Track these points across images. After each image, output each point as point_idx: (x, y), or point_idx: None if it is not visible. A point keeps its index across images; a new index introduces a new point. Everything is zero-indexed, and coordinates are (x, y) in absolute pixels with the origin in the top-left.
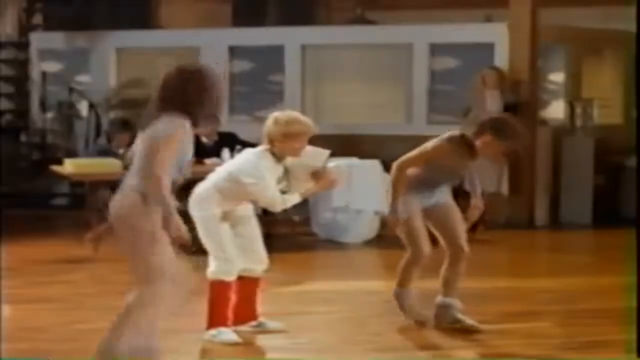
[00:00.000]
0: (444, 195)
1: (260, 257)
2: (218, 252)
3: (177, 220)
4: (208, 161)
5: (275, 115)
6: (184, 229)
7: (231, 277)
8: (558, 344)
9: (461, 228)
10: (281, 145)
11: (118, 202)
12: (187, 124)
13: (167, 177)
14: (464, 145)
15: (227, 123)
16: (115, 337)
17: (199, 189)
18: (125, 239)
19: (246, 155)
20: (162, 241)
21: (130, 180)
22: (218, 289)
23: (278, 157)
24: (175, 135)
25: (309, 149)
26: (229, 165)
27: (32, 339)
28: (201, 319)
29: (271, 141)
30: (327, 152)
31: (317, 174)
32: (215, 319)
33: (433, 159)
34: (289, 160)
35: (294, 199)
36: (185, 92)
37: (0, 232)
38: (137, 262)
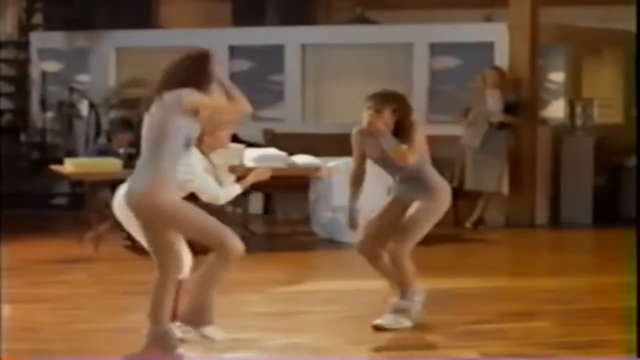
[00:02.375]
0: (408, 190)
1: (186, 258)
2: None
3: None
4: None
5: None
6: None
7: (182, 275)
8: (558, 343)
9: (410, 229)
10: (209, 139)
11: (147, 188)
12: None
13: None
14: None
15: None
16: (155, 322)
17: None
18: (174, 220)
19: None
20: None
21: (146, 161)
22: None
23: (204, 153)
24: (180, 109)
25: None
26: None
27: (31, 338)
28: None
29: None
30: (242, 147)
31: (235, 170)
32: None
33: (361, 153)
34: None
35: (235, 189)
36: (197, 72)
37: (0, 231)
38: (200, 234)
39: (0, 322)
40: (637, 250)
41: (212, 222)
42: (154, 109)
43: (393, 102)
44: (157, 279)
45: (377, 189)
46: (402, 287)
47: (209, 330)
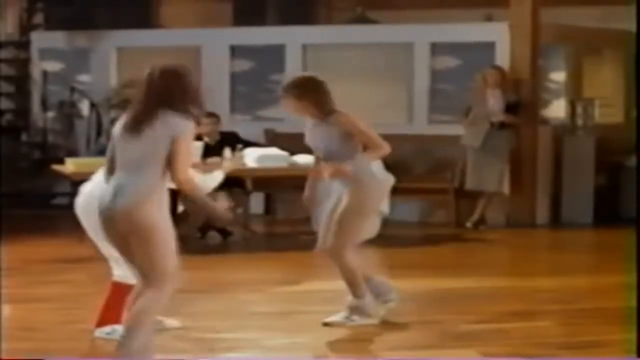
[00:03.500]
0: (341, 182)
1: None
2: None
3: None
4: (210, 160)
5: None
6: (225, 211)
7: (133, 281)
8: (558, 343)
9: (338, 225)
10: None
11: (130, 207)
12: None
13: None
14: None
15: (228, 122)
16: (132, 337)
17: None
18: (147, 241)
19: None
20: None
21: (134, 180)
22: (122, 290)
23: None
24: (191, 132)
25: None
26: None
27: (32, 338)
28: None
29: None
30: (200, 144)
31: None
32: (110, 317)
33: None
34: None
35: (218, 177)
36: (182, 91)
37: (0, 231)
38: (153, 264)
39: (0, 322)
40: (637, 250)
41: (172, 257)
42: (150, 128)
43: (297, 89)
44: (150, 294)
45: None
46: (348, 285)
47: None
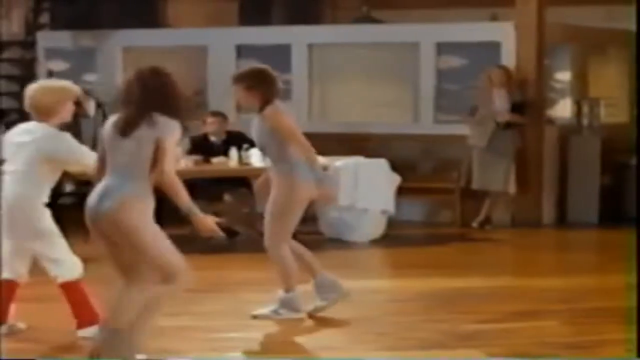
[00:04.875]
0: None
1: (24, 264)
2: (65, 250)
3: (201, 214)
4: (215, 160)
5: (40, 87)
6: (210, 221)
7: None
8: (564, 342)
9: (266, 220)
10: (59, 115)
11: (115, 210)
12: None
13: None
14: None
15: (234, 122)
16: (133, 329)
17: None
18: (136, 243)
19: (37, 136)
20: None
21: (120, 182)
22: (80, 287)
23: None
24: (176, 134)
25: None
26: (27, 152)
27: (37, 338)
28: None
29: (48, 113)
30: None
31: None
32: (88, 317)
33: None
34: None
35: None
36: (168, 95)
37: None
38: (154, 262)
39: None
40: (637, 250)
41: (172, 251)
42: (137, 130)
43: (248, 79)
44: (160, 290)
45: (387, 186)
46: (280, 277)
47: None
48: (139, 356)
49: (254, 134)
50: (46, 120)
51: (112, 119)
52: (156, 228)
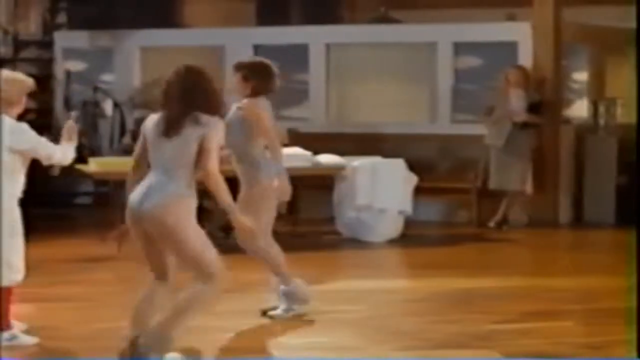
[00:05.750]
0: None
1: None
2: (20, 255)
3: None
4: None
5: (5, 78)
6: (247, 221)
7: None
8: (580, 343)
9: None
10: (18, 105)
11: (160, 209)
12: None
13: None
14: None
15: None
16: (171, 327)
17: None
18: (178, 242)
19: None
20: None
21: (164, 181)
22: (9, 293)
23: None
24: (220, 132)
25: None
26: None
27: (53, 337)
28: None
29: (11, 104)
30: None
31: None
32: (6, 322)
33: None
34: None
35: (69, 148)
36: (208, 92)
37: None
38: (195, 262)
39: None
40: (637, 250)
41: (212, 251)
42: (181, 129)
43: (248, 70)
44: (201, 289)
45: (404, 186)
46: (274, 274)
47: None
48: (171, 355)
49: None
50: (9, 111)
51: (154, 118)
52: (198, 228)
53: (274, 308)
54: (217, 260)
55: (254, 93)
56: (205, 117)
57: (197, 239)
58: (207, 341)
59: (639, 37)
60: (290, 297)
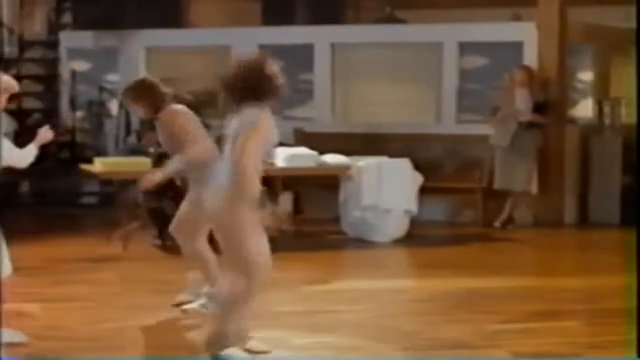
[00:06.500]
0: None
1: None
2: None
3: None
4: None
5: None
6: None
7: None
8: (585, 343)
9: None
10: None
11: (214, 198)
12: (266, 110)
13: (254, 167)
14: None
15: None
16: (223, 326)
17: None
18: (225, 233)
19: None
20: (257, 232)
21: (221, 175)
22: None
23: None
24: (257, 124)
25: None
26: None
27: (58, 337)
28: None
29: None
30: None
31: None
32: None
33: None
34: None
35: (31, 150)
36: (257, 81)
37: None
38: (237, 255)
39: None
40: (637, 250)
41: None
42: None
43: (132, 91)
44: (239, 284)
45: (410, 186)
46: (202, 274)
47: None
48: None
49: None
50: None
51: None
52: (251, 219)
53: (188, 302)
54: (259, 255)
55: (155, 108)
56: (245, 111)
57: (244, 232)
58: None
59: (639, 37)
60: (212, 297)
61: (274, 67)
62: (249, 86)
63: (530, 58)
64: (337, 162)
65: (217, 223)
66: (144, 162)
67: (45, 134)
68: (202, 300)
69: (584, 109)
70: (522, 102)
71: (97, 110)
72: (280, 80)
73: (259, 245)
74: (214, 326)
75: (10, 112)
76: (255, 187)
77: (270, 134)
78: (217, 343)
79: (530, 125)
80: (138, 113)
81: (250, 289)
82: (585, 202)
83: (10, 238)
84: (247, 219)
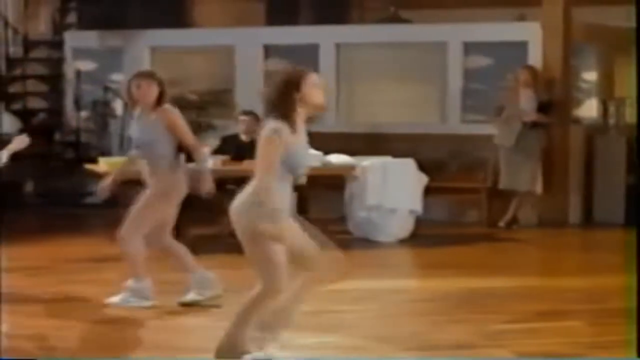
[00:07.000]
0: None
1: None
2: None
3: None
4: (246, 162)
5: None
6: (280, 230)
7: None
8: (589, 343)
9: (133, 212)
10: None
11: (237, 206)
12: (282, 126)
13: (272, 179)
14: None
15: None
16: (238, 333)
17: None
18: (245, 241)
19: None
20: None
21: (249, 185)
22: None
23: None
24: (269, 139)
25: None
26: None
27: (62, 337)
28: None
29: None
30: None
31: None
32: None
33: None
34: None
35: (4, 154)
36: (277, 97)
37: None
38: (257, 262)
39: (1, 324)
40: (637, 250)
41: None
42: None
43: (154, 77)
44: (258, 291)
45: (414, 186)
46: (131, 268)
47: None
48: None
49: (135, 133)
50: None
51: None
52: (277, 231)
53: (196, 302)
54: (278, 269)
55: (159, 102)
56: (269, 123)
57: (265, 244)
58: (214, 340)
59: (639, 37)
60: (134, 292)
61: (310, 85)
62: (274, 101)
63: (534, 58)
64: (342, 162)
65: (241, 234)
66: None
67: (21, 140)
68: (125, 295)
69: (589, 109)
70: (526, 102)
71: (101, 110)
72: (316, 99)
73: (277, 255)
74: (229, 332)
75: (15, 112)
76: (275, 201)
77: (290, 149)
78: (228, 350)
79: (535, 125)
80: (141, 97)
81: (267, 297)
82: (590, 202)
83: (14, 237)
84: (267, 230)
